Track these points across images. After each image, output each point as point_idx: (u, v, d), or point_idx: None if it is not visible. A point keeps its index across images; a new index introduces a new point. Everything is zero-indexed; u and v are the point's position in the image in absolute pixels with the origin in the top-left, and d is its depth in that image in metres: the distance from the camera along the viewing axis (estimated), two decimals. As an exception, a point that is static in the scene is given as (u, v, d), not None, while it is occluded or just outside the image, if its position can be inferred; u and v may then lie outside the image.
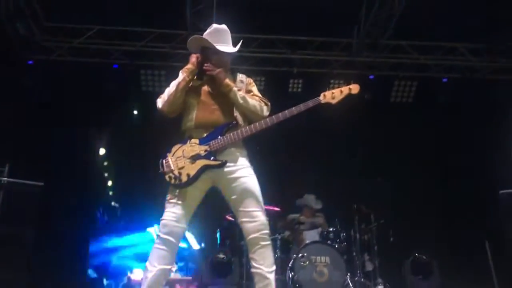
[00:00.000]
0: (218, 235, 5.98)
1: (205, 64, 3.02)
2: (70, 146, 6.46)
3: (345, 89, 2.98)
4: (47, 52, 6.84)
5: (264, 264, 2.75)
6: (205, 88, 3.06)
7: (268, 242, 2.80)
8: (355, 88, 2.99)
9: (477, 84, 7.10)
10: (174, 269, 4.45)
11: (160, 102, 3.01)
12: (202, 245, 6.40)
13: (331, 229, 5.56)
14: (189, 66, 3.03)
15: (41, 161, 6.27)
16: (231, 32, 3.12)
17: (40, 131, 6.51)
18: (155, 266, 2.70)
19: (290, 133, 6.19)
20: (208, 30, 3.11)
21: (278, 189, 5.84)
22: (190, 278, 4.69)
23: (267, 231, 2.80)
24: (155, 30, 6.85)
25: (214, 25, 3.12)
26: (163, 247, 2.73)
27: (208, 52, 3.04)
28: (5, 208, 5.61)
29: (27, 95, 6.50)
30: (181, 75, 3.01)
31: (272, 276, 2.75)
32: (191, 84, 3.04)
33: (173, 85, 3.00)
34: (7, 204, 5.65)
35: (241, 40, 3.08)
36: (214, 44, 3.00)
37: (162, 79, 6.94)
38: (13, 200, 5.66)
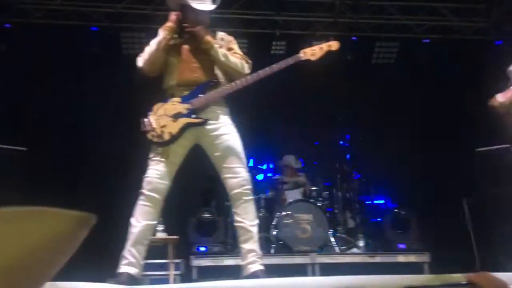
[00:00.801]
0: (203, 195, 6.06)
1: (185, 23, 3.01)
2: (53, 110, 6.40)
3: (324, 46, 3.05)
4: (24, 15, 6.66)
5: (247, 218, 2.84)
6: (186, 46, 3.05)
7: (251, 197, 2.89)
8: (334, 45, 3.05)
9: (457, 45, 7.15)
10: (160, 228, 4.53)
11: (140, 61, 3.01)
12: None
13: (313, 188, 5.70)
14: (168, 24, 3.01)
15: (25, 126, 6.22)
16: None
17: (21, 96, 6.43)
18: (140, 221, 2.77)
19: (271, 94, 6.19)
20: None
21: (259, 149, 5.92)
22: (176, 237, 4.76)
23: (249, 187, 2.88)
24: (135, -9, 6.69)
25: None
26: (148, 203, 2.80)
27: (186, 9, 3.02)
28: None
29: (5, 59, 6.37)
30: (161, 34, 3.00)
31: (255, 230, 2.85)
32: (171, 42, 3.03)
33: (153, 44, 2.99)
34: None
35: (221, -2, 3.06)
36: (190, 2, 2.97)
37: (143, 41, 6.79)
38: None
